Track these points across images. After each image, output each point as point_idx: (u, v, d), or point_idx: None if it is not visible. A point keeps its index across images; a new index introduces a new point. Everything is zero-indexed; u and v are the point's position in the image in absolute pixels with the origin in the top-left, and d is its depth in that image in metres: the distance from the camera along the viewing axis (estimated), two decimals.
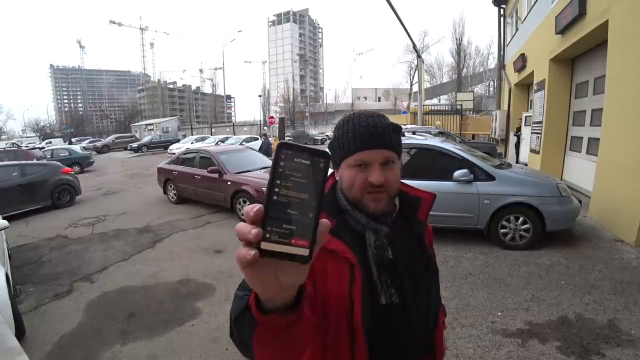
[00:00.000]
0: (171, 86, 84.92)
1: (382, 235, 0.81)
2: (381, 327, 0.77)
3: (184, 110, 77.32)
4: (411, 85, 38.30)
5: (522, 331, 2.76)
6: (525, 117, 10.67)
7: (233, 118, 68.98)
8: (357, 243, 0.79)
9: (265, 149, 11.15)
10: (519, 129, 11.03)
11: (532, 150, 9.74)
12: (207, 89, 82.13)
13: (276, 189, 0.39)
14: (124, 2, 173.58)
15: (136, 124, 45.65)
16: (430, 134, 7.61)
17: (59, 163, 9.26)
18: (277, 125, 22.66)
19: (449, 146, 4.83)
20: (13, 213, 6.88)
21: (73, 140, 32.28)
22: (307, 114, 53.05)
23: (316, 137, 28.81)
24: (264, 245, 0.39)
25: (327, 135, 30.06)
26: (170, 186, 7.98)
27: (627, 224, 4.50)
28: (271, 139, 13.72)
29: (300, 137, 28.06)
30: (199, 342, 2.85)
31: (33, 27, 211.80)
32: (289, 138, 23.94)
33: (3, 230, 3.70)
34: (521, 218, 4.35)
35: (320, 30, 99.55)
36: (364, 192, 0.79)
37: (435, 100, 36.96)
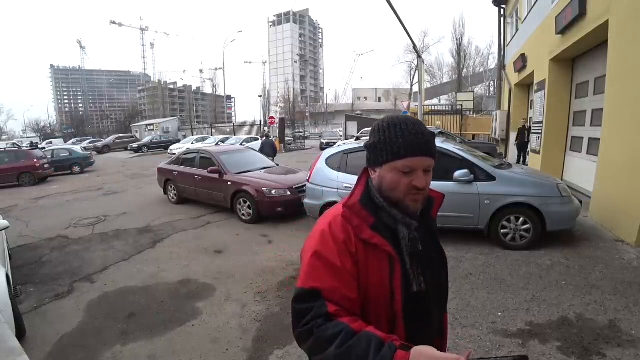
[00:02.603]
0: (171, 86, 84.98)
1: (413, 229, 0.90)
2: (411, 312, 0.86)
3: (185, 110, 77.32)
4: (411, 86, 38.30)
5: (523, 331, 2.76)
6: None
7: (233, 118, 69.02)
8: (391, 237, 0.87)
9: (267, 150, 11.07)
10: (524, 128, 10.86)
11: (533, 151, 9.74)
12: (207, 89, 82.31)
13: None
14: (125, 2, 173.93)
15: (136, 124, 45.70)
16: None
17: None
18: (278, 125, 22.72)
19: (450, 146, 4.82)
20: None
21: (36, 142, 28.59)
22: (307, 114, 53.06)
23: (323, 141, 23.13)
24: None
25: (340, 136, 23.72)
26: (171, 186, 7.98)
27: (627, 224, 4.49)
28: (272, 139, 13.69)
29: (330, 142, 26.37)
30: (200, 343, 2.85)
31: (33, 28, 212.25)
32: (289, 139, 23.88)
33: (3, 231, 3.69)
34: (521, 218, 4.35)
35: (320, 30, 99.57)
36: (407, 194, 0.85)
37: (435, 101, 36.94)
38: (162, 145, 26.60)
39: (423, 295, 0.88)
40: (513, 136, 12.06)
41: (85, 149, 20.02)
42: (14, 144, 28.03)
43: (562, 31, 7.08)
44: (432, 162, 0.86)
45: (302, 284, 0.83)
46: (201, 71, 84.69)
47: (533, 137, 9.87)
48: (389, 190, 0.87)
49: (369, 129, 1.22)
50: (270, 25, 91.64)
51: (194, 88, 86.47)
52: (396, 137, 0.84)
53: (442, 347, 1.01)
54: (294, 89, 63.21)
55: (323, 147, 21.08)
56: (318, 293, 0.79)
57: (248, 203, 6.22)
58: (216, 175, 6.78)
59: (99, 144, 29.08)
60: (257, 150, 9.93)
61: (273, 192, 6.07)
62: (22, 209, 8.27)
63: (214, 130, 32.89)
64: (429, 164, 0.86)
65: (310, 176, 5.49)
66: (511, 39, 13.39)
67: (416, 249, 0.89)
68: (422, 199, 0.88)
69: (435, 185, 4.48)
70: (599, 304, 3.08)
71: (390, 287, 0.83)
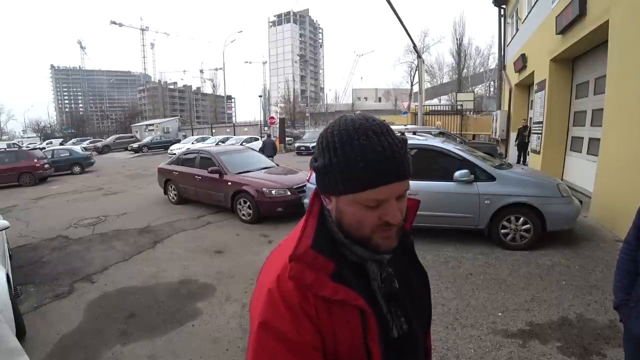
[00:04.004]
0: (172, 87, 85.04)
1: (386, 263, 0.71)
2: (394, 357, 0.71)
3: (185, 110, 77.43)
4: (412, 86, 38.28)
5: (523, 332, 2.76)
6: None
7: (233, 118, 68.91)
8: (358, 278, 0.68)
9: (269, 150, 11.11)
10: (525, 128, 10.89)
11: (533, 151, 9.74)
12: (207, 89, 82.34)
13: None
14: (125, 2, 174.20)
15: (137, 124, 45.68)
16: (431, 134, 7.61)
17: None
18: (278, 125, 22.72)
19: (450, 146, 4.82)
20: None
21: (21, 143, 27.95)
22: (307, 115, 53.09)
23: (296, 144, 21.03)
24: None
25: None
26: (171, 186, 7.98)
27: (627, 224, 4.42)
28: (272, 138, 13.75)
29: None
30: (200, 343, 2.85)
31: (34, 28, 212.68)
32: (289, 139, 23.86)
33: (4, 231, 3.69)
34: (522, 218, 4.34)
35: (320, 30, 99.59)
36: (375, 231, 0.65)
37: (435, 101, 37.00)
38: (162, 146, 26.61)
39: (407, 336, 0.72)
40: (513, 136, 12.06)
41: (85, 149, 20.03)
42: (14, 144, 28.03)
43: (562, 31, 7.08)
44: (407, 186, 0.63)
45: None
46: (201, 71, 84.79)
47: (533, 137, 9.87)
48: (352, 228, 0.65)
49: None
50: (271, 26, 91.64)
51: (194, 88, 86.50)
52: (354, 160, 0.59)
53: None
54: (294, 89, 63.19)
55: (298, 152, 19.37)
56: None
57: (248, 203, 6.22)
58: (216, 176, 6.78)
59: (99, 144, 29.12)
60: (258, 150, 9.94)
61: (273, 192, 6.07)
62: (22, 209, 8.27)
63: (214, 131, 32.85)
64: (404, 189, 0.63)
65: (310, 176, 5.49)
66: (511, 39, 13.39)
67: (391, 288, 0.71)
68: (396, 233, 0.66)
69: (436, 185, 4.46)
70: (599, 304, 3.08)
71: (365, 347, 0.65)
